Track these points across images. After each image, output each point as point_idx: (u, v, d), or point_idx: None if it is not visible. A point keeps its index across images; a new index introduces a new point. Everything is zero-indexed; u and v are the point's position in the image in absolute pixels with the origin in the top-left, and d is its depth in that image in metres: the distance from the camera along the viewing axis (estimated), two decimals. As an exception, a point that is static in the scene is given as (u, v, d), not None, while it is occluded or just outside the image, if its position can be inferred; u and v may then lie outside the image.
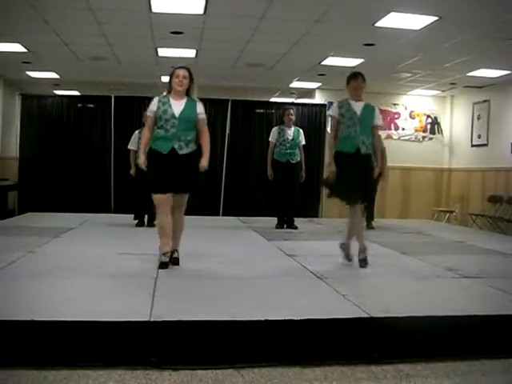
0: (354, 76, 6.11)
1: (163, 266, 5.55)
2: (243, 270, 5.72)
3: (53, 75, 12.52)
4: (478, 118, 13.06)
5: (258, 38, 9.03)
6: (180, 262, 5.86)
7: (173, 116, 5.50)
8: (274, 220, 9.69)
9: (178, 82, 5.56)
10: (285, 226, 9.56)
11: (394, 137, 13.86)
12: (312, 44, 9.27)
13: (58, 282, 4.91)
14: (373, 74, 11.43)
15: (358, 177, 5.75)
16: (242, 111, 13.21)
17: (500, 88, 12.12)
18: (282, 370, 3.53)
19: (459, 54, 9.53)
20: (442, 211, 13.62)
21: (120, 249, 5.96)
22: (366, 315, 3.95)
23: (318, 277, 5.34)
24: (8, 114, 13.31)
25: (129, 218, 9.52)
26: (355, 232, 5.99)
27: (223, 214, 12.63)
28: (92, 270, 5.48)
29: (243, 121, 13.18)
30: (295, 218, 9.57)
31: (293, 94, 14.54)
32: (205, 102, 13.17)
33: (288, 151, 9.23)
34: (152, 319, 3.68)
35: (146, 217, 9.45)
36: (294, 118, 9.43)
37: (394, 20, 7.78)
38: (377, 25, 8.03)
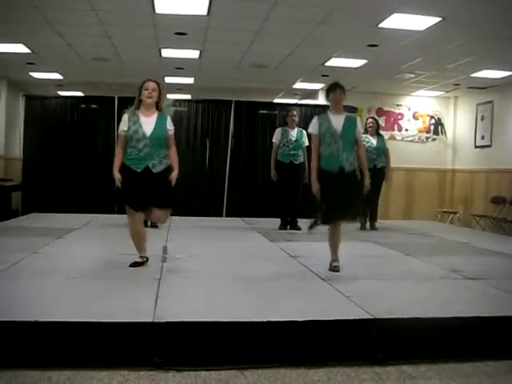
0: (333, 88, 5.81)
1: (134, 264, 5.64)
2: (246, 271, 5.72)
3: (56, 76, 12.53)
4: (482, 119, 13.05)
5: (261, 39, 9.03)
6: (183, 263, 5.86)
7: (144, 136, 5.50)
8: (277, 221, 9.68)
9: (147, 95, 5.58)
10: (288, 227, 9.55)
11: (398, 138, 13.85)
12: (316, 45, 9.26)
13: (61, 282, 4.91)
14: (376, 74, 11.50)
15: (341, 196, 5.59)
16: (246, 112, 13.19)
17: (504, 89, 12.10)
18: (285, 372, 3.53)
19: (463, 54, 9.52)
20: (445, 212, 13.60)
21: (123, 250, 5.96)
22: (369, 316, 3.95)
23: (321, 278, 5.34)
24: (12, 115, 13.34)
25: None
26: (336, 245, 5.85)
27: (226, 215, 12.63)
28: (95, 270, 5.49)
29: (246, 122, 13.16)
30: (298, 219, 9.56)
31: (296, 95, 14.54)
32: (208, 102, 13.34)
33: (291, 152, 9.22)
34: (155, 320, 3.69)
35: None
36: (297, 119, 9.43)
37: (398, 21, 7.78)
38: (380, 26, 8.02)
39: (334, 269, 5.75)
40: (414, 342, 3.84)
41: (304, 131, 9.41)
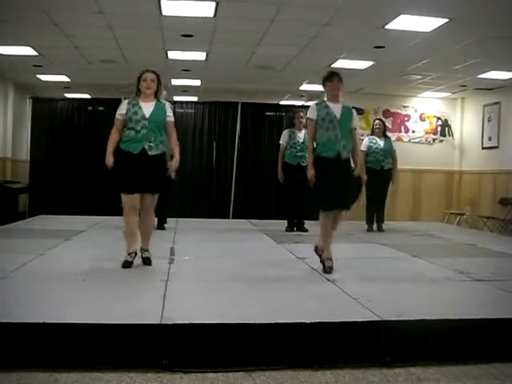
0: (330, 76, 5.86)
1: (126, 264, 5.63)
2: (254, 272, 5.72)
3: (63, 78, 12.56)
4: (489, 120, 13.01)
5: (268, 41, 9.03)
6: (190, 265, 5.86)
7: (143, 117, 5.57)
8: (284, 223, 9.68)
9: (146, 85, 5.64)
10: (295, 228, 9.55)
11: (404, 139, 13.83)
12: (322, 46, 9.26)
13: (68, 284, 4.91)
14: (383, 76, 11.49)
15: (337, 183, 5.61)
16: (252, 114, 13.22)
17: (511, 90, 12.06)
18: (293, 374, 3.52)
19: (470, 55, 9.49)
20: (452, 214, 13.58)
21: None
22: (377, 318, 3.94)
23: (328, 280, 5.33)
24: (19, 117, 13.38)
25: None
26: (328, 237, 5.79)
27: (233, 217, 12.64)
28: (103, 272, 5.49)
29: (253, 123, 13.19)
30: (305, 221, 9.55)
31: (303, 96, 14.52)
32: (215, 104, 13.36)
33: (299, 154, 9.21)
34: (163, 322, 3.69)
35: (156, 219, 9.47)
36: (304, 120, 9.41)
37: (405, 22, 7.77)
38: (387, 27, 8.01)
39: (328, 270, 5.67)
40: (422, 344, 3.82)
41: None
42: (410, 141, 13.89)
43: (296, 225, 9.57)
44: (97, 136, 12.52)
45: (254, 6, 7.38)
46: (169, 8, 7.48)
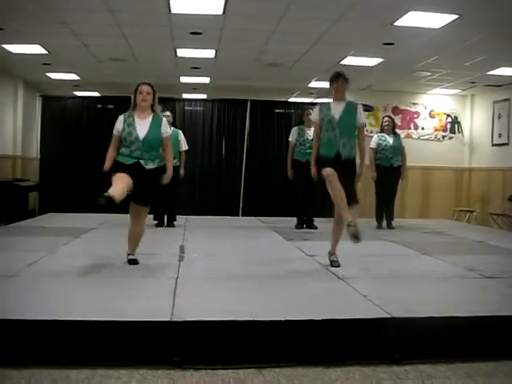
0: (335, 78, 6.04)
1: (132, 262, 5.81)
2: (263, 269, 5.73)
3: (73, 76, 12.59)
4: (499, 117, 12.95)
5: (277, 38, 9.02)
6: (200, 262, 5.89)
7: (137, 139, 5.57)
8: (293, 220, 9.69)
9: (142, 98, 5.69)
10: (304, 226, 9.55)
11: (414, 136, 13.77)
12: (331, 44, 9.24)
13: (79, 281, 4.95)
14: (392, 73, 11.46)
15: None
16: (261, 111, 13.23)
17: (521, 86, 12.02)
18: (303, 371, 3.53)
19: (479, 52, 9.45)
20: (462, 211, 13.52)
21: (140, 249, 5.98)
22: (387, 315, 3.94)
23: (338, 277, 5.33)
24: (29, 116, 13.42)
25: (149, 218, 9.47)
26: (338, 234, 5.94)
27: (242, 214, 12.65)
28: (113, 270, 5.53)
29: (262, 121, 13.20)
30: (315, 218, 9.55)
31: (312, 93, 14.51)
32: (224, 102, 13.38)
33: (308, 151, 9.17)
34: (174, 319, 3.70)
35: (166, 217, 9.50)
36: (313, 118, 9.42)
37: (414, 19, 7.74)
38: (396, 24, 7.98)
39: (334, 264, 5.86)
40: (432, 342, 3.82)
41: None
42: (419, 138, 13.83)
43: (305, 222, 9.58)
44: (106, 134, 12.53)
45: (263, 3, 7.37)
46: (178, 5, 7.48)
